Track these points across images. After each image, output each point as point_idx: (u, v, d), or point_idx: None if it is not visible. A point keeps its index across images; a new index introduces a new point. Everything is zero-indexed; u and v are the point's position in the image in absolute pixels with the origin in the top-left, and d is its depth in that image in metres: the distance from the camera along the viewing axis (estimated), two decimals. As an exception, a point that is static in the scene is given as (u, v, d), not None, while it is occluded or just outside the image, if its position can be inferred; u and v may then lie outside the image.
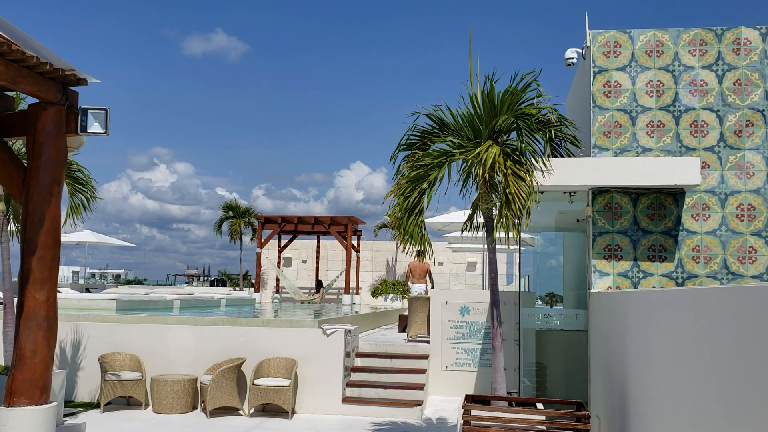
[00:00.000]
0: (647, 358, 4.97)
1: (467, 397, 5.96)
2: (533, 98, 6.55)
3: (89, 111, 5.67)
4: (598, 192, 8.09)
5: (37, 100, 5.59)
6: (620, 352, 6.02)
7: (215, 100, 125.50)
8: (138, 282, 59.51)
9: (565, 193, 8.40)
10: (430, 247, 6.96)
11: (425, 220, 6.98)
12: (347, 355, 9.41)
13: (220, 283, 49.27)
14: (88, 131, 5.64)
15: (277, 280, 23.26)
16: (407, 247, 6.85)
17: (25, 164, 5.67)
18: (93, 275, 63.68)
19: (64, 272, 56.51)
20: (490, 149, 6.18)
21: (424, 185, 6.50)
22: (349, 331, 9.48)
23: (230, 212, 34.75)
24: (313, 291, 23.67)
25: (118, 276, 69.89)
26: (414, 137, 6.99)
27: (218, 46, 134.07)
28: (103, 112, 5.67)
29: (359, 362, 10.09)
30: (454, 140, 6.78)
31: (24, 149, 7.40)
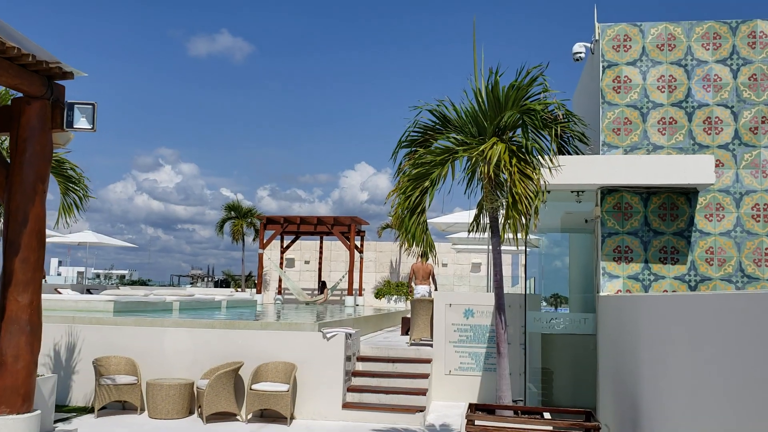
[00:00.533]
0: (662, 368, 4.68)
1: (471, 406, 5.69)
2: (539, 93, 6.27)
3: (76, 106, 5.42)
4: (607, 191, 7.80)
5: (20, 94, 5.37)
6: (632, 359, 5.73)
7: (220, 101, 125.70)
8: (142, 282, 59.46)
9: (572, 192, 8.11)
10: (433, 247, 6.69)
11: (428, 221, 6.72)
12: (348, 359, 9.15)
13: (224, 284, 49.11)
14: (75, 127, 5.39)
15: (280, 281, 23.00)
16: (409, 248, 6.59)
17: (9, 162, 5.44)
18: (97, 276, 63.70)
19: (69, 272, 56.56)
20: (495, 146, 5.91)
21: (426, 183, 6.24)
22: (350, 334, 9.22)
23: (232, 212, 34.51)
24: (316, 292, 23.42)
25: (123, 276, 69.96)
26: (415, 133, 6.72)
27: (223, 46, 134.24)
28: (90, 107, 5.42)
29: (360, 366, 9.82)
30: (458, 137, 6.51)
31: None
